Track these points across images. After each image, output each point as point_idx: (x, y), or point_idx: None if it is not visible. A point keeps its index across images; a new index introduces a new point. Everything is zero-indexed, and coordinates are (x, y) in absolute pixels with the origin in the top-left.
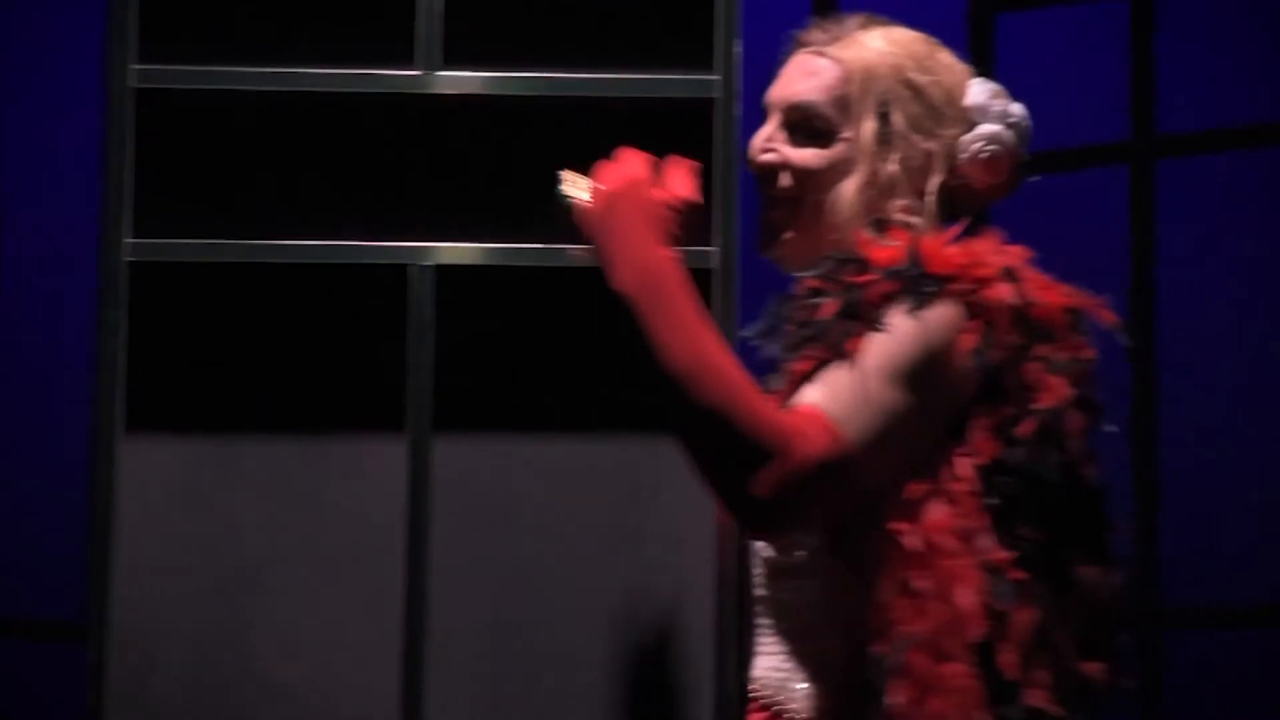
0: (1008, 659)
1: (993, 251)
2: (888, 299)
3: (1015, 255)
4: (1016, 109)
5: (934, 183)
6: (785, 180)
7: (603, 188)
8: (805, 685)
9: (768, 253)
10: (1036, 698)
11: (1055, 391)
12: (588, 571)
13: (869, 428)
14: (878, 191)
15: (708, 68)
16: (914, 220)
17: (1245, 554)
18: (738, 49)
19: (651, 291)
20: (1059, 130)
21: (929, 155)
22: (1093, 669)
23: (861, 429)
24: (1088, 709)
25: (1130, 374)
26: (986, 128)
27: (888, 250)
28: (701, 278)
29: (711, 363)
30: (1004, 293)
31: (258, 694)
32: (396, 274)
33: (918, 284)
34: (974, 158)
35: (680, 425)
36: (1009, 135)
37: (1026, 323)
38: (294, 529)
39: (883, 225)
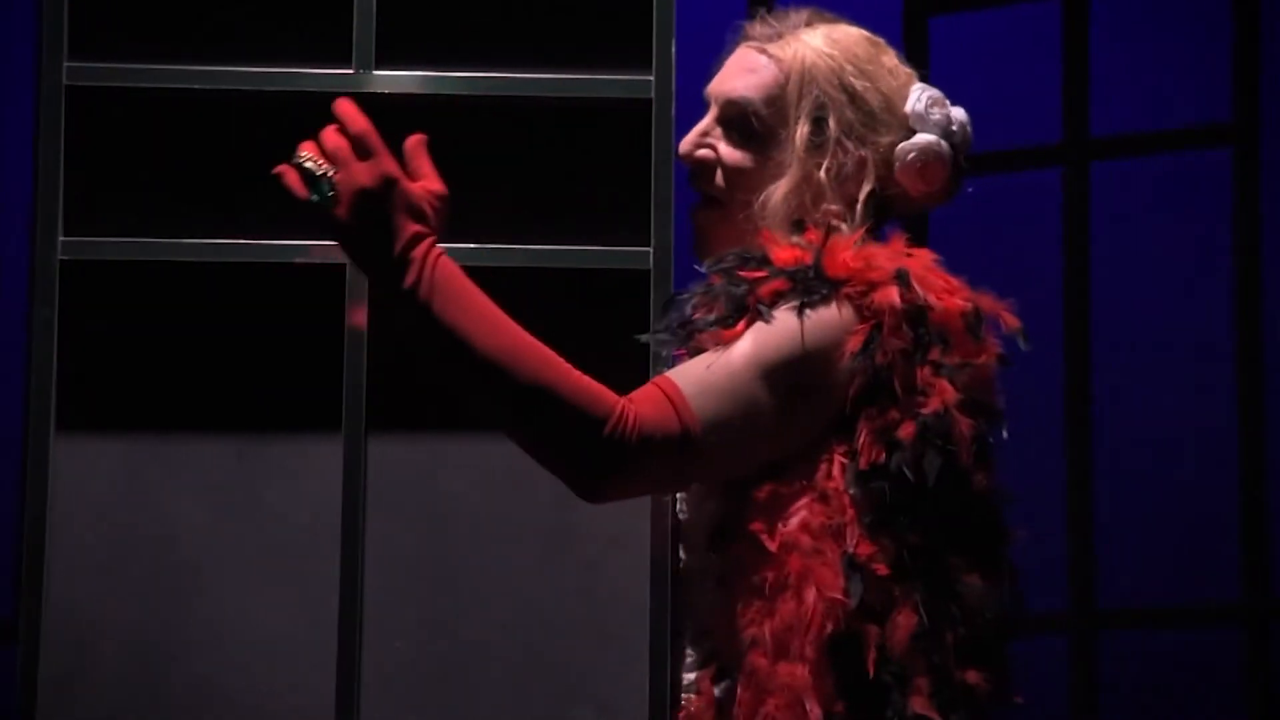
0: (870, 657)
1: (892, 255)
2: (779, 296)
3: (919, 259)
4: (958, 115)
5: (865, 189)
6: (718, 179)
7: (349, 185)
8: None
9: (703, 256)
10: (917, 704)
11: (940, 395)
12: (524, 571)
13: (722, 410)
14: (808, 196)
15: (643, 68)
16: (842, 225)
17: (1180, 555)
18: (673, 50)
19: (443, 287)
20: (993, 133)
21: (862, 161)
22: (974, 677)
23: (713, 409)
24: (969, 717)
25: (1064, 376)
26: (923, 138)
27: (791, 251)
28: (637, 279)
29: (523, 342)
30: (891, 296)
31: (192, 694)
32: (332, 273)
33: (810, 285)
34: (909, 167)
35: (503, 409)
36: (945, 145)
37: (921, 326)
38: (229, 528)
39: (802, 226)
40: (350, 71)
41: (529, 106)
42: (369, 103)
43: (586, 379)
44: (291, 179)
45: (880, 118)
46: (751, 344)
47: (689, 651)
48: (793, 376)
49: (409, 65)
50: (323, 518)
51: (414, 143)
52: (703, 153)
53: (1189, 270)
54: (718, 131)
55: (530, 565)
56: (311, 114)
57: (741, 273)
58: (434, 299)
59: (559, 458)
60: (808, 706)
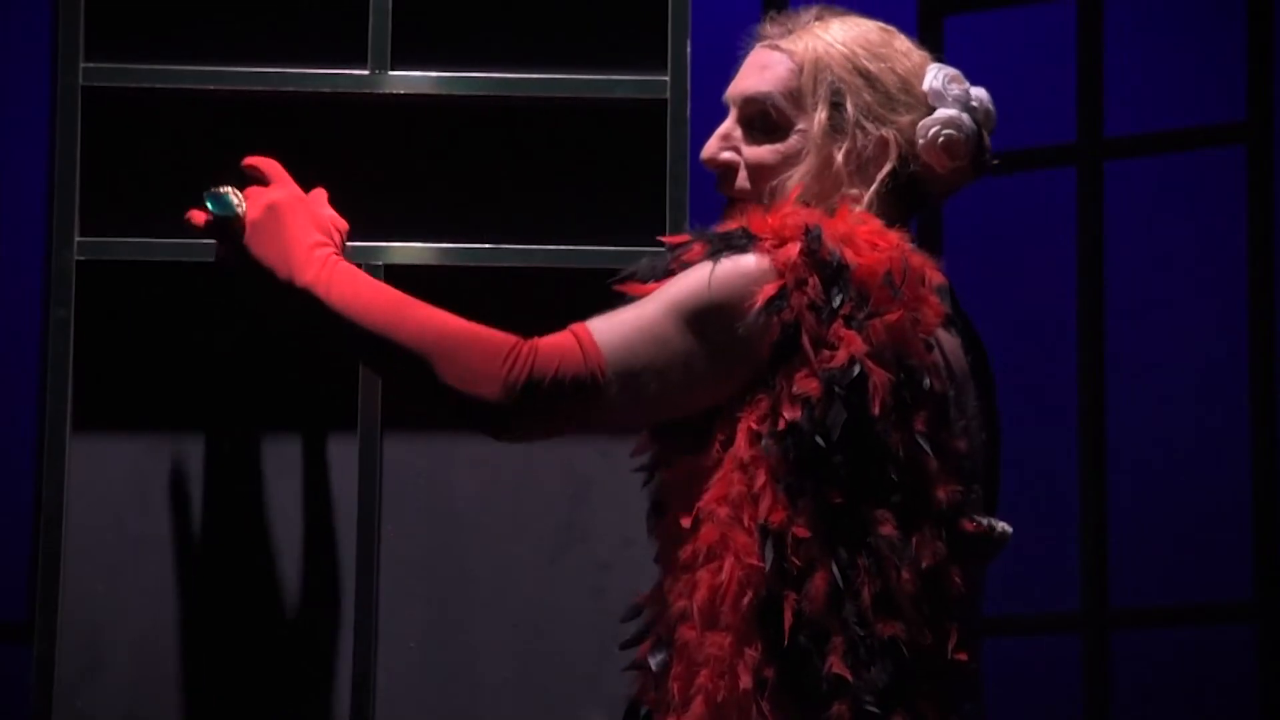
0: (787, 622)
1: (819, 216)
2: (702, 257)
3: (858, 220)
4: (979, 93)
5: (885, 169)
6: (741, 179)
7: (259, 199)
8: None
9: None
10: (834, 663)
11: (848, 348)
12: (536, 571)
13: (631, 349)
14: (828, 181)
15: (658, 68)
16: (855, 208)
17: (1192, 554)
18: (688, 49)
19: (334, 277)
20: (1007, 132)
21: (884, 142)
22: (892, 629)
23: (621, 347)
24: (891, 671)
25: (1078, 374)
26: (943, 112)
27: (736, 222)
28: None
29: (413, 306)
30: (791, 251)
31: (205, 695)
32: None
33: (731, 243)
34: (931, 142)
35: (402, 373)
36: (967, 119)
37: (836, 283)
38: (243, 528)
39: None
40: (365, 72)
41: (544, 107)
42: (384, 103)
43: (480, 327)
44: (195, 215)
45: (898, 98)
46: (665, 291)
47: None
48: (701, 321)
49: (424, 66)
50: (337, 517)
51: (317, 193)
52: (726, 156)
53: (1202, 269)
54: (739, 133)
55: (542, 565)
56: (327, 114)
57: (664, 238)
58: (330, 289)
59: (462, 403)
60: (739, 677)
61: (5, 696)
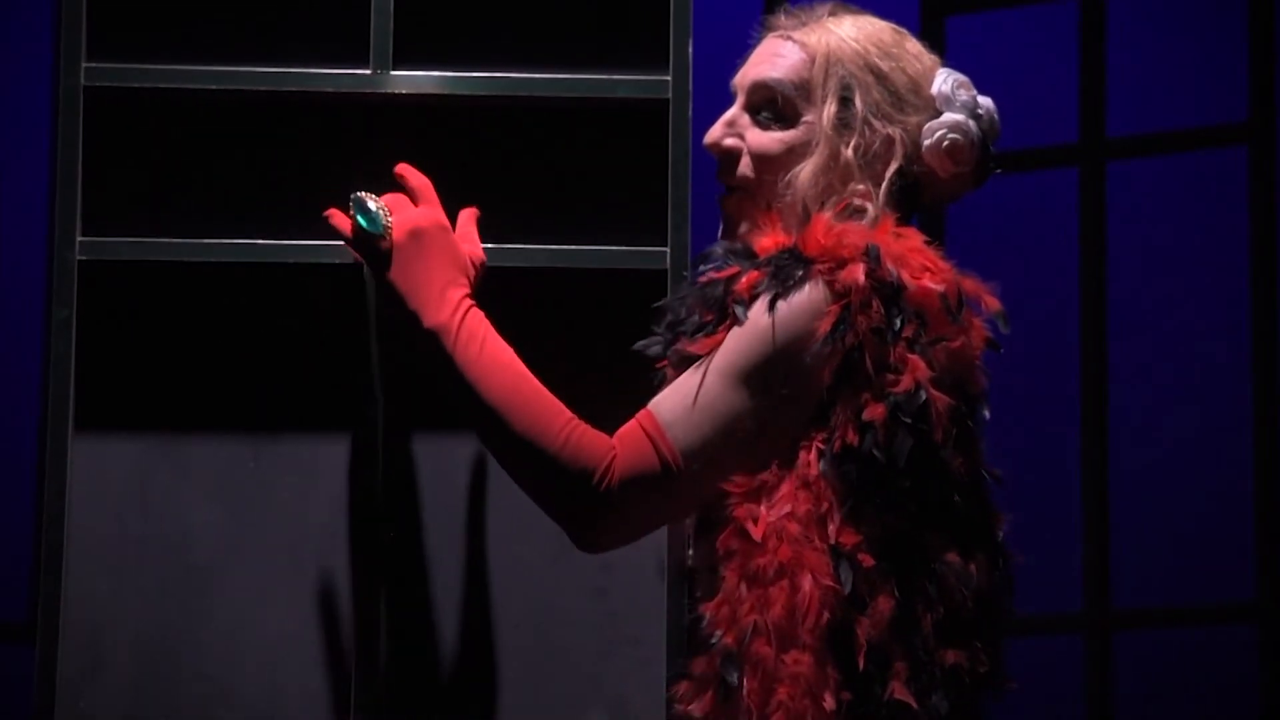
0: (859, 647)
1: (870, 233)
2: (755, 288)
3: (903, 240)
4: (985, 102)
5: (892, 168)
6: (744, 167)
7: (406, 222)
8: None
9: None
10: (896, 689)
11: (913, 373)
12: (538, 571)
13: (703, 434)
14: (835, 175)
15: (660, 68)
16: (869, 204)
17: (1194, 554)
18: (690, 49)
19: (462, 329)
20: (1010, 133)
21: (890, 141)
22: (954, 657)
23: (694, 436)
24: (952, 698)
25: (1080, 375)
26: (950, 116)
27: (774, 238)
28: (652, 279)
29: (523, 394)
30: (856, 273)
31: (208, 693)
32: (350, 273)
33: (785, 269)
34: (936, 145)
35: (498, 454)
36: (973, 125)
37: (894, 304)
38: (245, 528)
39: (823, 207)
40: (368, 72)
41: (546, 106)
42: (386, 103)
43: (579, 432)
44: (338, 219)
45: (907, 98)
46: (724, 355)
47: None
48: (768, 376)
49: (426, 65)
50: (338, 517)
51: (468, 213)
52: (730, 142)
53: (1205, 269)
54: (745, 120)
55: (544, 564)
56: (329, 115)
57: (716, 275)
58: (456, 341)
59: (552, 509)
60: (823, 697)
61: (7, 696)
